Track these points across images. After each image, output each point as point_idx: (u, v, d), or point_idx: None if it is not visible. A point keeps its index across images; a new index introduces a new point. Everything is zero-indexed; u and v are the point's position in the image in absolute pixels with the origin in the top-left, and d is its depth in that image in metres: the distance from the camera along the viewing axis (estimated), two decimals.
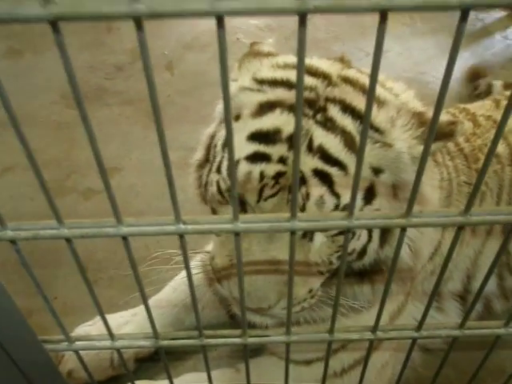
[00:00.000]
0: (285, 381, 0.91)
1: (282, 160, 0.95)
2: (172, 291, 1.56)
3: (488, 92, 2.32)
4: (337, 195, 0.94)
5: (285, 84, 1.03)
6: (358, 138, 0.97)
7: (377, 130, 0.99)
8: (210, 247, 1.58)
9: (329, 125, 0.96)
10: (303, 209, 0.94)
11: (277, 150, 0.95)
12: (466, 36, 2.56)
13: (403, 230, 0.61)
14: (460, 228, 0.61)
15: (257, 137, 0.97)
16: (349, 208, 0.58)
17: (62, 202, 1.96)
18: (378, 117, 1.00)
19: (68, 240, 0.61)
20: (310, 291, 1.04)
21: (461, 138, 1.40)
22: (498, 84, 2.34)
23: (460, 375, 1.41)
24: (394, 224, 0.60)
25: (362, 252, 1.06)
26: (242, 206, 1.01)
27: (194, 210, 1.88)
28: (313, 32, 2.84)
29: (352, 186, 0.57)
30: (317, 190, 0.94)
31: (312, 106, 0.99)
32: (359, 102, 0.99)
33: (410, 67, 2.66)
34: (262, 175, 0.95)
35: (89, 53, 2.71)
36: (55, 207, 0.58)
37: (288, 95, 1.00)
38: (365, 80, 1.05)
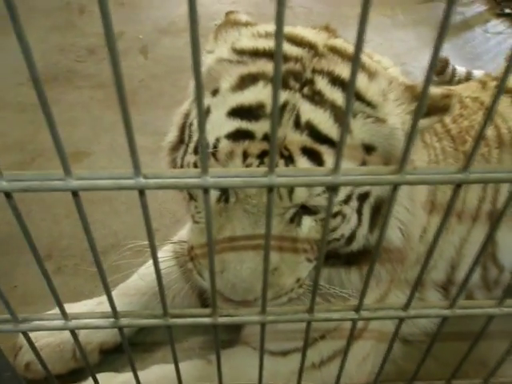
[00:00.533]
0: (259, 370, 0.84)
1: (266, 137, 0.87)
2: (141, 278, 1.47)
3: (452, 76, 2.34)
4: None
5: (267, 54, 0.95)
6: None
7: (369, 103, 0.92)
8: (184, 233, 1.49)
9: (317, 99, 0.88)
10: (291, 191, 0.87)
11: (261, 127, 0.87)
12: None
13: (395, 188, 0.54)
14: (458, 186, 0.54)
15: (238, 112, 0.89)
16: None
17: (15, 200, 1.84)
18: (370, 90, 0.93)
19: (7, 195, 0.52)
20: (298, 280, 0.97)
21: (447, 118, 1.34)
22: (462, 70, 2.37)
23: (442, 367, 1.36)
24: (386, 180, 0.52)
25: (351, 237, 0.99)
26: (224, 192, 0.93)
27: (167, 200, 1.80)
28: (292, 21, 2.77)
29: (340, 133, 0.50)
30: (304, 166, 0.86)
31: (298, 79, 0.91)
32: (349, 74, 0.92)
33: (391, 58, 2.61)
34: (245, 154, 0.87)
35: (60, 35, 2.60)
36: None
37: (271, 66, 0.92)
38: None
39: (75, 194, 0.52)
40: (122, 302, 1.40)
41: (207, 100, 0.93)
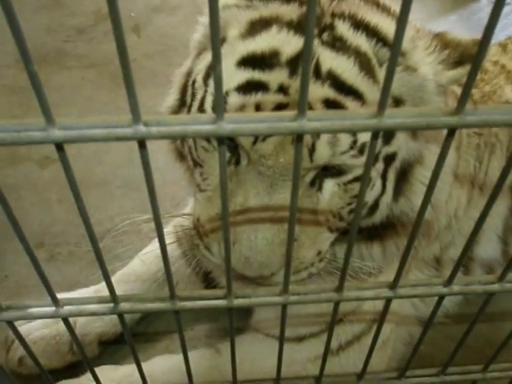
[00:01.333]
0: (278, 357, 0.74)
1: (281, 89, 0.77)
2: (141, 264, 1.37)
3: None
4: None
5: None
6: (375, 60, 0.80)
7: None
8: (188, 209, 1.39)
9: (338, 45, 0.79)
10: (312, 150, 0.77)
11: (275, 77, 0.77)
12: (453, 0, 2.39)
13: (451, 133, 0.44)
14: None
15: (249, 62, 0.79)
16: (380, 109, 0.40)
17: (15, 171, 1.74)
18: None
19: None
20: (319, 253, 0.87)
21: None
22: None
23: (463, 349, 1.28)
24: (443, 123, 0.43)
25: (374, 206, 0.91)
26: (235, 153, 0.83)
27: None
28: None
29: (387, 70, 0.40)
30: None
31: (316, 24, 0.81)
32: (373, 17, 0.82)
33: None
34: (257, 108, 0.77)
35: (47, 14, 2.47)
36: None
37: (286, 9, 0.82)
38: None
39: (59, 147, 0.42)
40: (121, 289, 1.30)
41: None
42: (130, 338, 0.68)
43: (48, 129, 0.40)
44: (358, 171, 0.82)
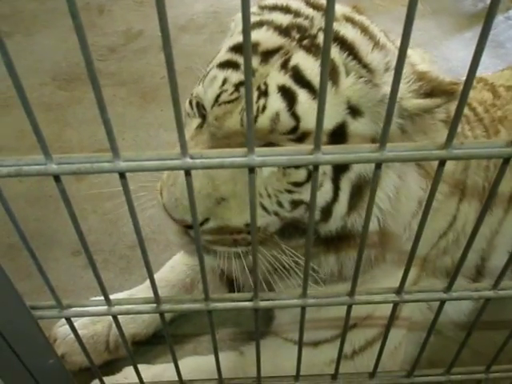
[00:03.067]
0: (298, 357, 0.83)
1: None
2: (171, 271, 1.48)
3: None
4: (296, 117, 0.87)
5: (282, 9, 1.00)
6: (343, 69, 0.90)
7: (365, 66, 0.91)
8: None
9: (313, 50, 0.91)
10: (254, 122, 0.87)
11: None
12: (468, 17, 2.47)
13: (442, 164, 0.54)
14: (506, 160, 0.53)
15: (236, 48, 0.95)
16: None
17: (53, 183, 1.87)
18: (370, 55, 0.92)
19: (56, 178, 0.53)
20: (247, 226, 0.95)
21: (480, 107, 1.31)
22: None
23: (475, 356, 1.35)
24: (434, 156, 0.52)
25: (327, 212, 0.97)
26: (203, 119, 0.97)
27: None
28: None
29: (386, 113, 0.49)
30: (276, 104, 0.87)
31: (301, 31, 0.94)
32: (354, 38, 0.93)
33: (411, 47, 2.59)
34: (224, 81, 0.92)
35: None
36: (42, 138, 0.50)
37: (282, 17, 0.96)
38: (369, 24, 0.99)
39: (122, 175, 0.52)
40: (151, 294, 1.41)
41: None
42: (169, 334, 0.77)
43: (115, 161, 0.51)
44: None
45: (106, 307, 0.70)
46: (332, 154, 0.51)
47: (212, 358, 0.82)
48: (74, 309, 0.70)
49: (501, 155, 0.52)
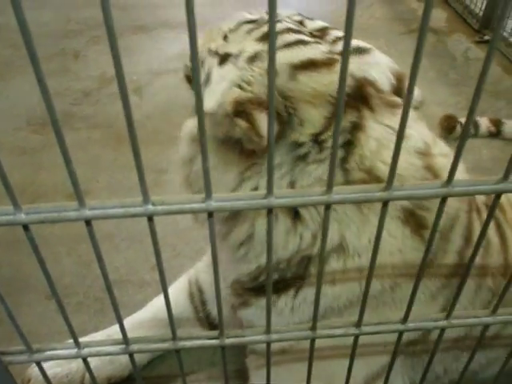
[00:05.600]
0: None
1: None
2: (146, 312, 1.49)
3: (475, 130, 2.34)
4: None
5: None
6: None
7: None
8: (200, 265, 1.56)
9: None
10: None
11: None
12: (429, 56, 2.57)
13: (385, 204, 0.59)
14: (444, 200, 0.58)
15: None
16: None
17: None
18: None
19: (25, 227, 0.56)
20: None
21: None
22: (483, 120, 2.36)
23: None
24: (377, 198, 0.57)
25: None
26: None
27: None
28: None
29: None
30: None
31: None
32: None
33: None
34: None
35: (55, 79, 2.67)
36: (11, 189, 0.54)
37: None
38: None
39: (88, 223, 0.56)
40: (132, 334, 1.42)
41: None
42: (139, 375, 0.79)
43: (80, 209, 0.54)
44: None
45: (75, 350, 0.71)
46: (285, 197, 0.56)
47: None
48: (44, 353, 0.71)
49: (437, 195, 0.57)
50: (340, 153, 0.91)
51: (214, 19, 3.51)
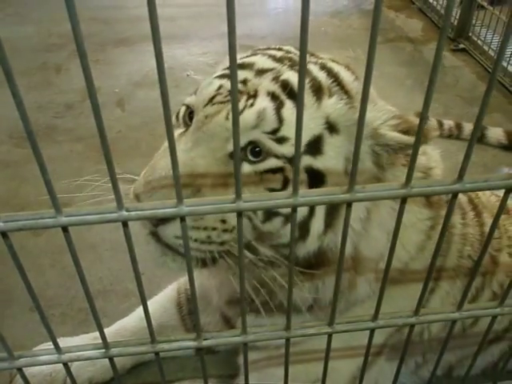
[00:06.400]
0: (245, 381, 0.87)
1: (243, 81, 0.99)
2: (138, 318, 1.51)
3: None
4: (280, 119, 0.93)
5: (275, 48, 1.12)
6: (325, 90, 0.98)
7: (346, 92, 0.99)
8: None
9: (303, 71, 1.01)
10: (240, 113, 0.93)
11: (243, 73, 1.00)
12: (406, 65, 2.63)
13: (349, 205, 0.62)
14: (404, 200, 0.62)
15: (238, 66, 1.02)
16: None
17: (11, 239, 1.88)
18: (351, 84, 1.01)
19: (3, 234, 0.58)
20: (223, 222, 0.95)
21: None
22: (450, 123, 2.40)
23: None
24: (340, 200, 0.60)
25: (304, 228, 0.98)
26: (187, 128, 1.03)
27: None
28: None
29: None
30: (263, 102, 0.94)
31: (292, 61, 1.03)
32: (339, 70, 1.03)
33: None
34: (220, 87, 1.00)
35: (37, 93, 2.69)
36: None
37: (274, 52, 1.08)
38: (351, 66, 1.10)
39: (65, 229, 0.58)
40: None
41: None
42: (120, 381, 0.81)
43: (57, 216, 0.56)
44: (273, 163, 0.94)
45: (56, 355, 0.73)
46: (252, 201, 0.59)
47: None
48: (24, 359, 0.73)
49: (397, 196, 0.61)
50: None
51: (195, 31, 3.57)
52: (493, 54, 3.02)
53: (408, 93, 2.75)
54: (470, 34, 3.26)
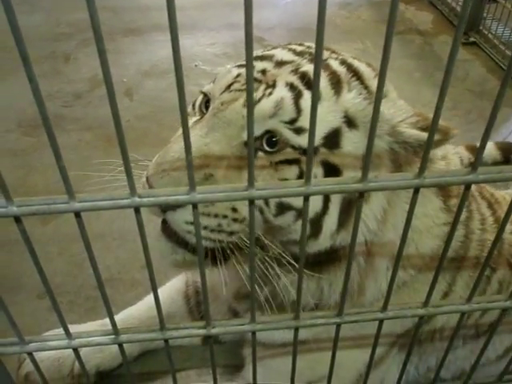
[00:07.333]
0: (253, 373, 0.88)
1: (262, 71, 1.00)
2: (146, 307, 1.53)
3: None
4: (298, 109, 0.92)
5: (296, 44, 1.12)
6: (345, 84, 0.98)
7: (366, 87, 0.99)
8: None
9: (324, 65, 1.00)
10: (257, 102, 0.93)
11: (262, 64, 1.01)
12: (415, 57, 2.62)
13: (361, 195, 0.62)
14: (416, 190, 0.62)
15: (259, 57, 1.05)
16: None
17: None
18: (372, 80, 1.00)
19: (17, 219, 0.58)
20: (234, 211, 0.93)
21: None
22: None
23: None
24: (353, 189, 0.60)
25: (316, 224, 0.97)
26: (202, 116, 1.03)
27: None
28: None
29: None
30: (282, 91, 0.94)
31: (312, 55, 1.03)
32: (359, 66, 1.03)
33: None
34: (238, 75, 1.00)
35: (46, 82, 2.69)
36: (3, 182, 0.56)
37: (295, 46, 1.09)
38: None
39: (78, 215, 0.58)
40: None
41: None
42: (128, 366, 0.82)
43: (70, 202, 0.57)
44: (289, 154, 0.93)
45: (66, 341, 0.74)
46: (265, 189, 0.59)
47: None
48: (35, 343, 0.73)
49: (410, 186, 0.61)
50: None
51: (203, 21, 3.56)
52: (504, 47, 2.99)
53: (416, 85, 2.73)
54: (481, 28, 3.22)
